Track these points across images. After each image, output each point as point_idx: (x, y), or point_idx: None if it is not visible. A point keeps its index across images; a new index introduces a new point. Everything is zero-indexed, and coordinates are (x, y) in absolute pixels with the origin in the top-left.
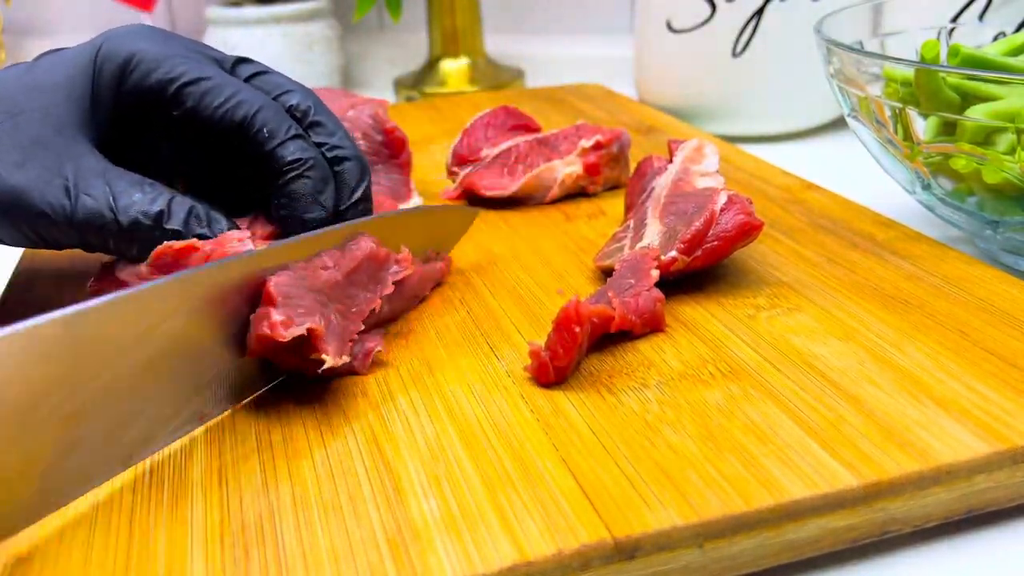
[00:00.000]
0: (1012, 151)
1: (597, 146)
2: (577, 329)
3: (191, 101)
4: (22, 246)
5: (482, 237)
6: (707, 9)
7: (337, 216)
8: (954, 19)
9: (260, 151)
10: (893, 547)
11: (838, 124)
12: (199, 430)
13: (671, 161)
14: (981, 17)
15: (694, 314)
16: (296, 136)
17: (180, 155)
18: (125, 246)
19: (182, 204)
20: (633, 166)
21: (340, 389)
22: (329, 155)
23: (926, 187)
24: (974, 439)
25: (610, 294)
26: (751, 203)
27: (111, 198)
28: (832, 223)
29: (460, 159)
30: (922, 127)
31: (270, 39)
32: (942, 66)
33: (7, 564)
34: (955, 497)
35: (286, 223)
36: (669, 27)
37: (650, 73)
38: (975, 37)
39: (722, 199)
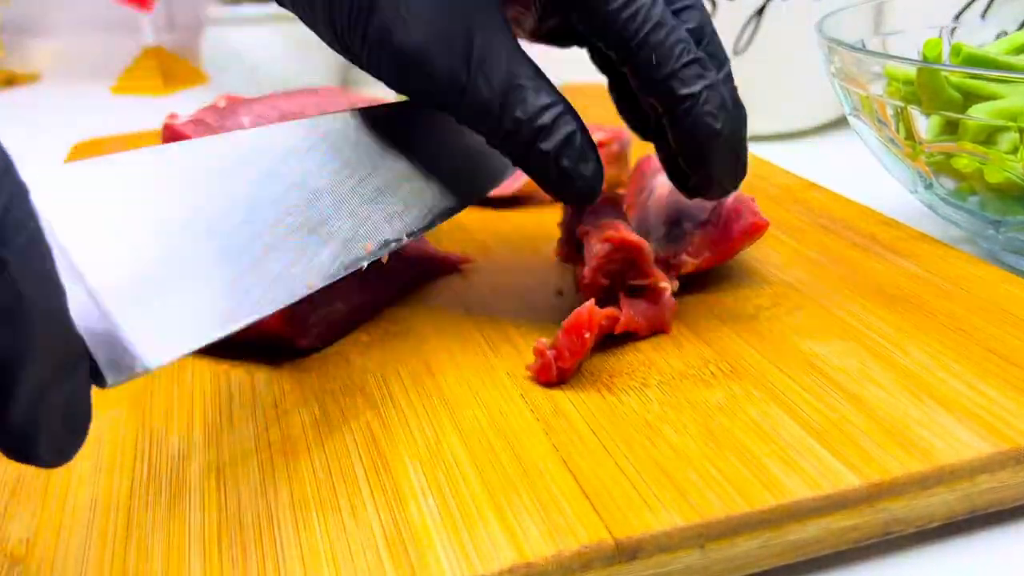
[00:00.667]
0: (1014, 150)
1: (598, 145)
2: (587, 335)
3: None
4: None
5: (482, 237)
6: (708, 8)
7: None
8: (956, 18)
9: (650, 74)
10: (895, 547)
11: (839, 124)
12: (197, 431)
13: None
14: (983, 16)
15: (695, 314)
16: (692, 61)
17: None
18: (485, 135)
19: (567, 124)
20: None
21: (339, 388)
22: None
23: (928, 186)
24: (976, 439)
25: (621, 296)
26: (755, 202)
27: (507, 91)
28: (833, 223)
29: None
30: (924, 126)
31: (270, 39)
32: (944, 65)
33: (5, 564)
34: (958, 497)
35: (700, 157)
36: None
37: None
38: (977, 36)
39: (728, 199)
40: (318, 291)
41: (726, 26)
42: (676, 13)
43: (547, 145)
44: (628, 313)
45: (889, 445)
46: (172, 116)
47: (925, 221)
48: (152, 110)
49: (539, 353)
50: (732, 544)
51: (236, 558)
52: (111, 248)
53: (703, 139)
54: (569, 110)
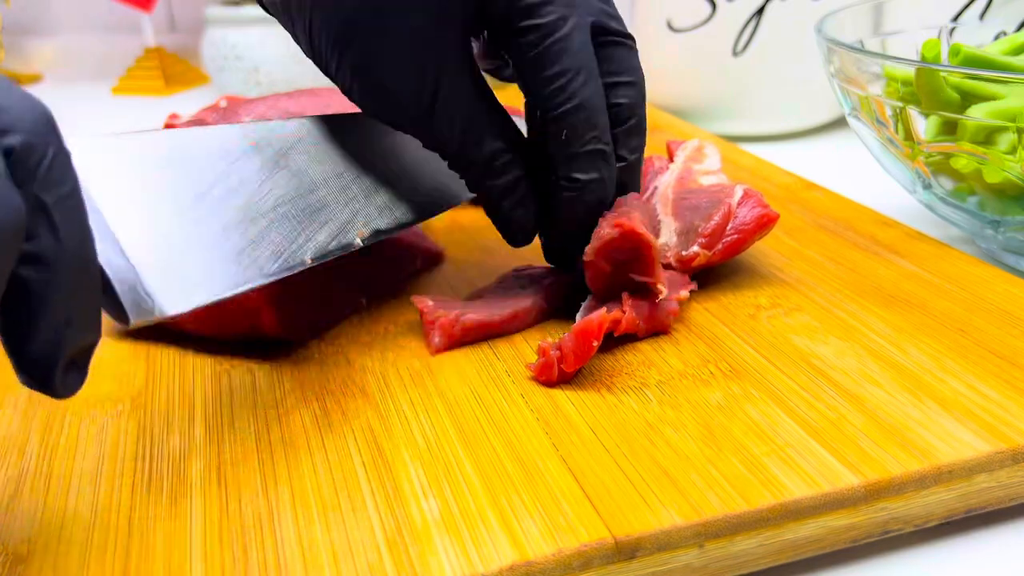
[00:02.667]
0: (1013, 150)
1: None
2: (595, 343)
3: (529, 49)
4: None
5: (482, 236)
6: (707, 8)
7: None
8: (955, 18)
9: (552, 141)
10: (894, 546)
11: (838, 124)
12: (199, 430)
13: (671, 161)
14: (982, 16)
15: (695, 313)
16: (593, 152)
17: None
18: (444, 159)
19: (512, 171)
20: None
21: (340, 388)
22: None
23: (927, 187)
24: (975, 438)
25: (625, 296)
26: (763, 197)
27: (465, 135)
28: (833, 223)
29: None
30: (923, 127)
31: (270, 39)
32: (943, 65)
33: (6, 564)
34: (956, 496)
35: (556, 238)
36: (669, 27)
37: (650, 73)
38: (976, 36)
39: (738, 193)
40: (306, 281)
41: (726, 26)
42: (613, 86)
43: (492, 185)
44: (631, 315)
45: (888, 444)
46: (173, 116)
47: (924, 221)
48: (153, 111)
49: (542, 352)
50: (731, 543)
51: (237, 557)
52: (138, 214)
53: (566, 215)
54: (517, 158)
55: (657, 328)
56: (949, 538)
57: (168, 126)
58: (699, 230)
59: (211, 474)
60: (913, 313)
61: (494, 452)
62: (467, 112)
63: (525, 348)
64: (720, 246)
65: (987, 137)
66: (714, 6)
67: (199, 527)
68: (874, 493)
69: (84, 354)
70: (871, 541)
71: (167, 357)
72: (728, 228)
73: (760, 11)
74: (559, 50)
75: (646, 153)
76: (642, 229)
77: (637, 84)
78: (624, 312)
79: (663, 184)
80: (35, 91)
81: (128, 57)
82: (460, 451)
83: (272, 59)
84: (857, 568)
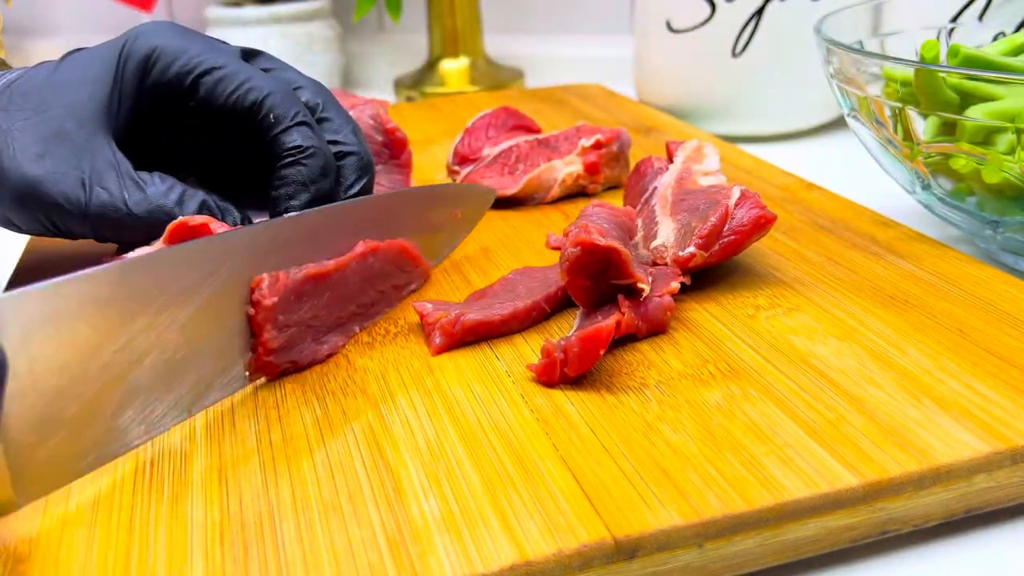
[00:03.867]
0: (1012, 151)
1: (597, 145)
2: (602, 352)
3: (204, 90)
4: (36, 234)
5: (483, 237)
6: (707, 9)
7: None
8: (954, 19)
9: (266, 137)
10: (893, 547)
11: (838, 124)
12: (200, 430)
13: (671, 161)
14: (981, 17)
15: (694, 314)
16: (301, 123)
17: (195, 150)
18: (138, 238)
19: (194, 196)
20: (633, 166)
21: (340, 388)
22: (333, 150)
23: (926, 187)
24: (974, 439)
25: (620, 299)
26: (760, 198)
27: (125, 192)
28: (832, 223)
29: (461, 158)
30: (922, 127)
31: (270, 39)
32: (942, 66)
33: (7, 564)
34: (955, 497)
35: (274, 204)
36: (669, 27)
37: (650, 73)
38: (975, 37)
39: (735, 194)
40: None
41: (725, 27)
42: (297, 88)
43: (186, 214)
44: (629, 316)
45: (887, 445)
46: None
47: (923, 221)
48: None
49: (547, 353)
50: (730, 543)
51: (238, 557)
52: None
53: (292, 184)
54: (185, 186)
55: (656, 327)
56: (948, 538)
57: None
58: (696, 231)
59: (211, 474)
60: (912, 313)
61: (494, 452)
62: (118, 177)
63: (525, 348)
64: (717, 247)
65: (986, 137)
66: (714, 7)
67: (199, 527)
68: (873, 493)
69: None
70: (870, 541)
71: None
72: (725, 229)
73: (759, 12)
74: (233, 70)
75: (647, 152)
76: (602, 241)
77: (309, 86)
78: (623, 313)
79: (662, 185)
80: None
81: None
82: (460, 451)
83: None
84: (856, 568)
